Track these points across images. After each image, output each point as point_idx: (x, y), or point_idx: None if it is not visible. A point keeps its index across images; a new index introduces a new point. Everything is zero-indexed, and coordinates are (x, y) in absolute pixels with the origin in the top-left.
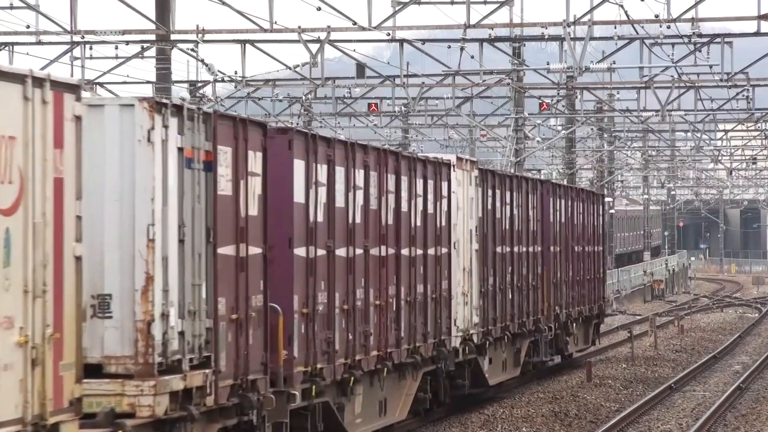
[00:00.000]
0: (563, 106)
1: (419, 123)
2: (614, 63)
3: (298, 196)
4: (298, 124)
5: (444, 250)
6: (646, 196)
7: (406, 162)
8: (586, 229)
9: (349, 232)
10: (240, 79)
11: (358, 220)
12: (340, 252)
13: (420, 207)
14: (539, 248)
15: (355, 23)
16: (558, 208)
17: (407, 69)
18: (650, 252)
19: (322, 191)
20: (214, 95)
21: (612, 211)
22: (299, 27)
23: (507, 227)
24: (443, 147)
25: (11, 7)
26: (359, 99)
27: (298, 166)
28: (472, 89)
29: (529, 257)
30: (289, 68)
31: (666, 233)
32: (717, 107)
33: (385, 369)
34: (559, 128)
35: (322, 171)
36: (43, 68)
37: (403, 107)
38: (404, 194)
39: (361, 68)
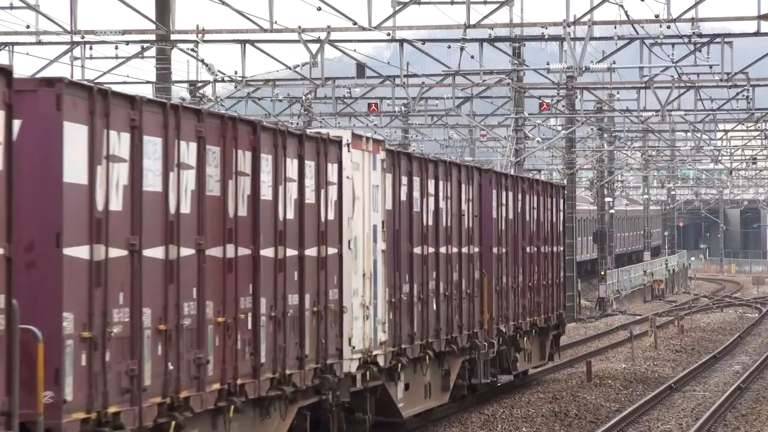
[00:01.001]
0: (563, 106)
1: (419, 123)
2: (614, 63)
3: (74, 175)
4: (298, 124)
5: (332, 251)
6: (646, 196)
7: (269, 136)
8: (542, 226)
9: (171, 225)
10: (240, 79)
11: (186, 209)
12: (154, 252)
13: (293, 195)
14: (477, 249)
15: (355, 23)
16: (503, 201)
17: (407, 69)
18: (650, 252)
19: (123, 169)
20: (214, 95)
21: (612, 211)
22: (299, 27)
23: (430, 223)
24: (443, 147)
25: (11, 7)
26: (359, 99)
27: (74, 132)
28: (472, 89)
29: (462, 260)
30: (289, 68)
31: (666, 233)
32: (717, 107)
33: (232, 407)
34: (559, 128)
35: (121, 141)
36: (43, 68)
37: (403, 107)
38: (267, 177)
39: (361, 68)
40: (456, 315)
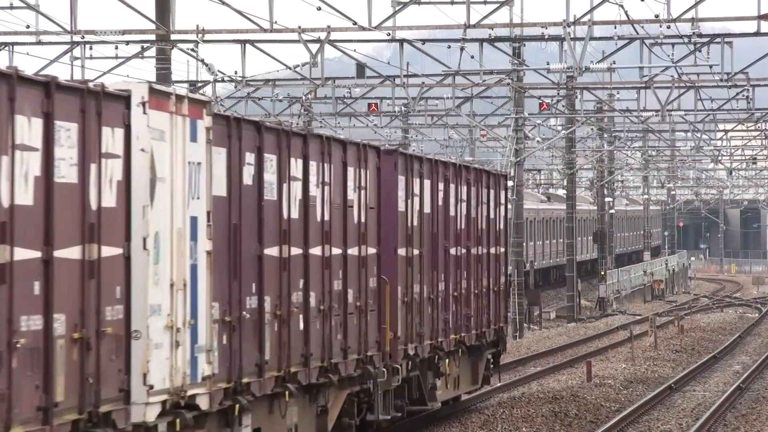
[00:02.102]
0: (563, 106)
1: (419, 123)
2: (614, 63)
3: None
4: (297, 124)
5: (113, 251)
6: (646, 196)
7: None
8: (474, 223)
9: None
10: (240, 79)
11: None
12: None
13: (32, 170)
14: (373, 251)
15: (355, 23)
16: (416, 191)
17: (407, 69)
18: (650, 252)
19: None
20: (214, 95)
21: (612, 211)
22: (299, 27)
23: (294, 216)
24: (443, 147)
25: (11, 7)
26: (359, 99)
27: None
28: (472, 89)
29: (348, 264)
30: (289, 68)
31: (666, 233)
32: (717, 107)
33: None
34: (559, 128)
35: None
36: (43, 68)
37: (403, 107)
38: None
39: (361, 68)
40: (338, 335)
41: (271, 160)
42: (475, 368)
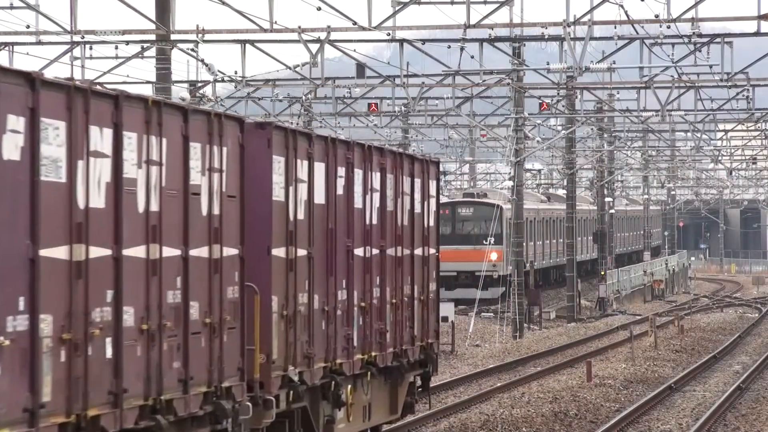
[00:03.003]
0: (563, 106)
1: (419, 123)
2: (614, 63)
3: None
4: (298, 124)
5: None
6: (646, 196)
7: None
8: (390, 219)
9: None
10: (240, 79)
11: None
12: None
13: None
14: (233, 251)
15: (355, 23)
16: (301, 176)
17: (407, 69)
18: (650, 252)
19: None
20: (214, 95)
21: (612, 211)
22: (299, 27)
23: (94, 206)
24: (443, 147)
25: (11, 7)
26: (359, 99)
27: None
28: (472, 89)
29: (188, 270)
30: (289, 68)
31: (666, 233)
32: (717, 107)
33: None
34: (559, 128)
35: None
36: (43, 68)
37: (403, 107)
38: None
39: (361, 68)
40: (173, 362)
41: (55, 128)
42: (393, 394)
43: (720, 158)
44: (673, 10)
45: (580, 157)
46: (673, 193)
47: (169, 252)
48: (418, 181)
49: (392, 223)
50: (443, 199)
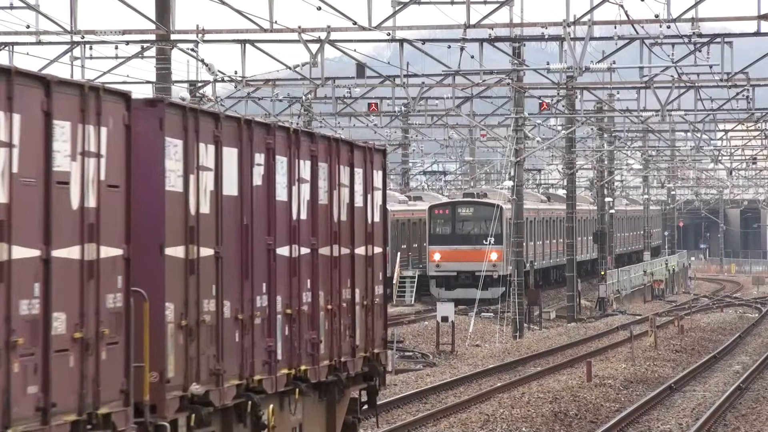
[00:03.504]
0: (563, 106)
1: (419, 123)
2: (614, 63)
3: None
4: (298, 124)
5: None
6: (646, 196)
7: None
8: (326, 213)
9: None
10: (240, 79)
11: None
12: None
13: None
14: (116, 252)
15: (355, 23)
16: (207, 164)
17: (407, 69)
18: (650, 252)
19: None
20: (214, 95)
21: (612, 211)
22: (299, 27)
23: None
24: (443, 147)
25: (11, 7)
26: (359, 99)
27: None
28: (472, 89)
29: (50, 274)
30: (289, 68)
31: (666, 233)
32: (717, 107)
33: None
34: (559, 128)
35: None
36: (43, 68)
37: (403, 107)
38: None
39: (361, 68)
40: (28, 387)
41: None
42: (330, 413)
43: (720, 158)
44: (673, 10)
45: (580, 157)
46: (673, 193)
47: (22, 253)
48: (359, 171)
49: (327, 219)
50: (443, 199)
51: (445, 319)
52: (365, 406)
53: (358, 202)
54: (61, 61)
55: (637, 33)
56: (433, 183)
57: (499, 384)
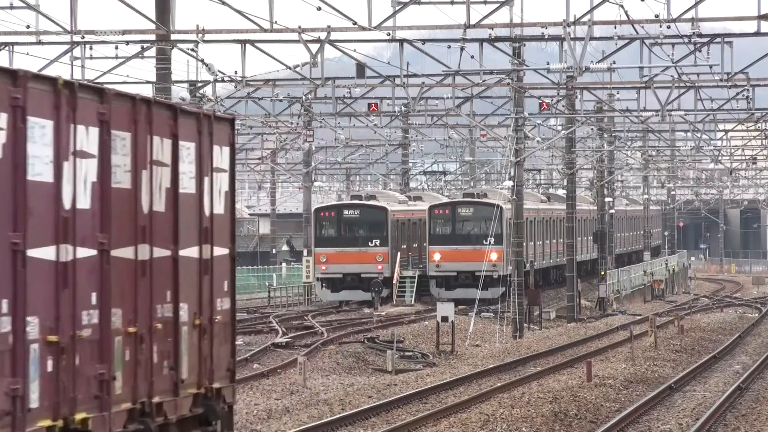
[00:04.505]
0: (563, 106)
1: (419, 123)
2: (614, 63)
3: None
4: (298, 124)
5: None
6: (646, 196)
7: None
8: (129, 201)
9: None
10: (240, 79)
11: None
12: None
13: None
14: None
15: (355, 23)
16: None
17: (407, 69)
18: (650, 252)
19: None
20: (214, 95)
21: (612, 211)
22: (299, 27)
23: None
24: (443, 147)
25: (11, 7)
26: (359, 99)
27: None
28: (472, 89)
29: None
30: (289, 68)
31: (666, 233)
32: (717, 107)
33: None
34: (559, 128)
35: None
36: (43, 68)
37: (403, 107)
38: None
39: (361, 68)
40: None
41: None
42: None
43: (720, 158)
44: (673, 10)
45: (580, 157)
46: (673, 193)
47: None
48: (188, 146)
49: (129, 208)
50: (443, 199)
51: (445, 319)
52: None
53: (187, 186)
54: (61, 61)
55: (637, 33)
56: (433, 183)
57: (499, 384)
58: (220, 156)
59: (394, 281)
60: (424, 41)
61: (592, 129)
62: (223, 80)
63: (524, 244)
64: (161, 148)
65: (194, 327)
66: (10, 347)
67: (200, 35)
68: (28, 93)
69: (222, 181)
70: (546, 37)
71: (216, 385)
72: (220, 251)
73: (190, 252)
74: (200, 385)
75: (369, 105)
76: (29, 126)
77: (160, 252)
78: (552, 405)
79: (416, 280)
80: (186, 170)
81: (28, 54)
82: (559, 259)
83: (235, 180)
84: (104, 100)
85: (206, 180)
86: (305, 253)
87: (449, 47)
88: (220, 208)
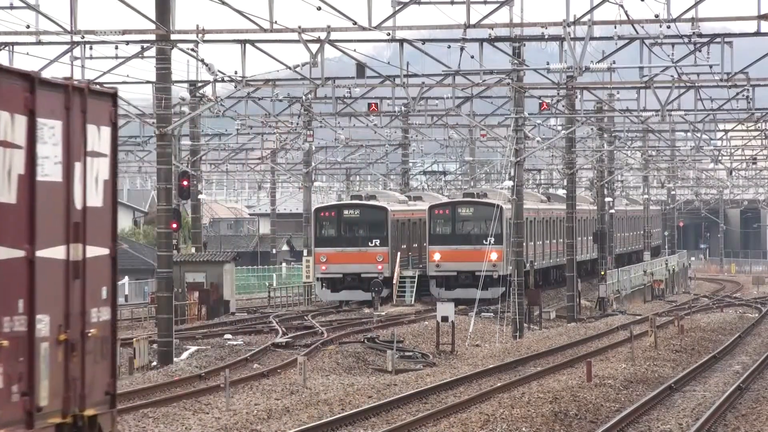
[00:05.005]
0: (563, 106)
1: (419, 123)
2: (614, 63)
3: None
4: (298, 124)
5: None
6: (646, 196)
7: None
8: None
9: None
10: (240, 79)
11: None
12: None
13: None
14: None
15: (355, 23)
16: None
17: (407, 69)
18: (650, 252)
19: None
20: (214, 95)
21: (612, 211)
22: (299, 27)
23: None
24: (443, 147)
25: (11, 7)
26: (359, 99)
27: None
28: (472, 89)
29: None
30: (289, 68)
31: (666, 233)
32: (717, 107)
33: None
34: (559, 128)
35: None
36: (43, 68)
37: (403, 107)
38: None
39: (361, 68)
40: None
41: None
42: None
43: (720, 158)
44: (673, 10)
45: (580, 157)
46: (673, 193)
47: None
48: (51, 125)
49: None
50: (443, 199)
51: (445, 319)
52: None
53: (49, 173)
54: (61, 61)
55: (637, 33)
56: (433, 183)
57: (499, 384)
58: (98, 137)
59: (394, 281)
60: (424, 41)
61: (592, 129)
62: (223, 80)
63: (524, 244)
64: (19, 129)
65: (58, 343)
66: None
67: (200, 35)
68: None
69: (100, 167)
70: (546, 37)
71: (89, 413)
72: (96, 251)
73: (53, 252)
74: (66, 414)
75: (369, 105)
76: None
77: (9, 252)
78: (552, 405)
79: (416, 280)
80: (48, 153)
81: (28, 54)
82: (559, 259)
83: (117, 165)
84: None
85: (77, 166)
86: (305, 253)
87: (449, 47)
88: (97, 200)
